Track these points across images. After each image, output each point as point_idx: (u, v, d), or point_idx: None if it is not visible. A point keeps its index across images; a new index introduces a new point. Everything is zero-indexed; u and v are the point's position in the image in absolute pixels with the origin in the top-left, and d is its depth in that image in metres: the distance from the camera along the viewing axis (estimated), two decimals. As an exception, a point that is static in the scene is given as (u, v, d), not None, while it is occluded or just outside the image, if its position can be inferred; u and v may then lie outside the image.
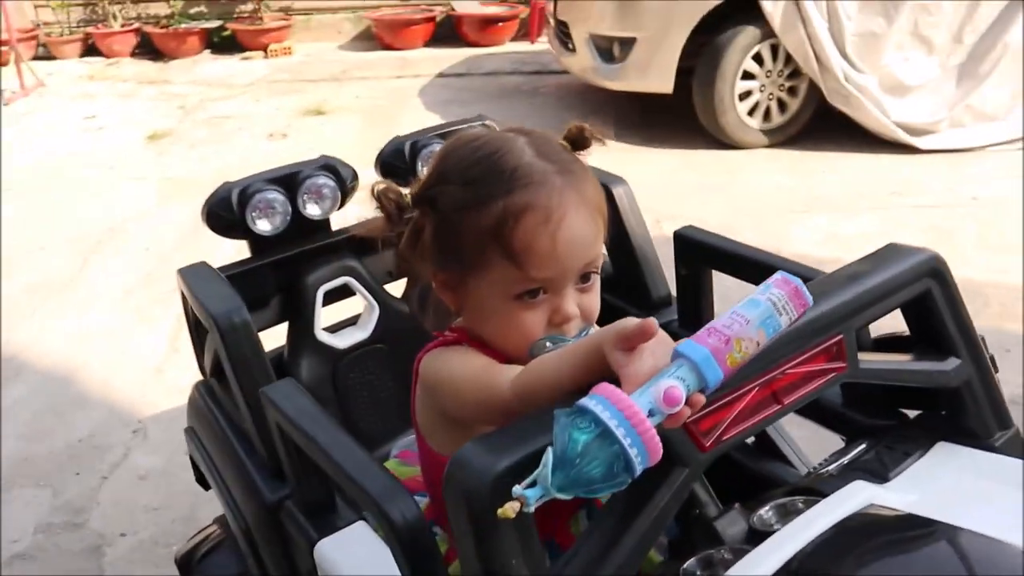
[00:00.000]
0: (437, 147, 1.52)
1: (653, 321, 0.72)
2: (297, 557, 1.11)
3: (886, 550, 0.84)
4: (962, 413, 1.02)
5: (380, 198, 1.03)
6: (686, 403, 0.69)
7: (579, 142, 1.06)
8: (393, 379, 1.54)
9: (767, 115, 4.71)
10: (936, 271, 0.97)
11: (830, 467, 1.04)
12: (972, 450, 1.00)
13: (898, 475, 0.97)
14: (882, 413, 1.13)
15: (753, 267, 1.23)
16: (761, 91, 4.63)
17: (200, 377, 1.53)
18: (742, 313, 0.73)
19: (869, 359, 0.91)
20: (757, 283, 1.21)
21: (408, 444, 1.30)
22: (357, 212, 1.68)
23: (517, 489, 0.63)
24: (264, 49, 7.67)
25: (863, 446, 1.05)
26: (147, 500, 2.40)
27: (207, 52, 7.93)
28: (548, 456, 0.64)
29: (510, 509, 0.63)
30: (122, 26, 7.88)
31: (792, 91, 4.68)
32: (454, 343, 1.04)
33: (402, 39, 7.61)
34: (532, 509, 0.64)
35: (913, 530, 0.85)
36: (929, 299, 0.97)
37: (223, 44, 7.85)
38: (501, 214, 0.95)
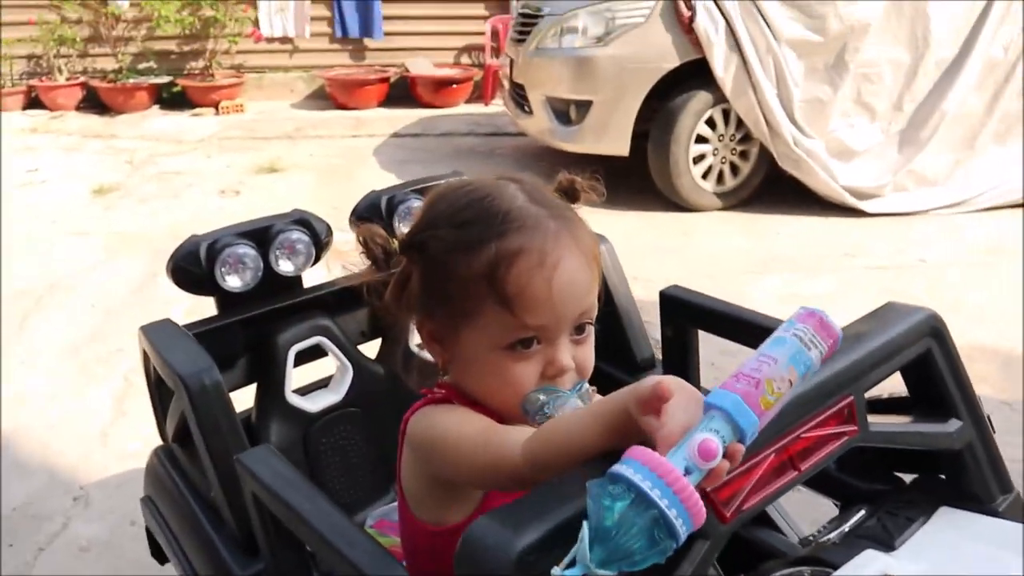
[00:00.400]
0: (415, 203, 1.49)
1: (667, 383, 0.69)
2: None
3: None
4: (963, 476, 1.00)
5: (366, 242, 0.99)
6: (724, 456, 0.65)
7: (570, 194, 1.04)
8: (367, 444, 1.47)
9: (720, 178, 4.81)
10: (936, 330, 0.96)
11: (830, 535, 1.01)
12: (976, 515, 0.98)
13: (904, 543, 0.94)
14: (879, 477, 1.11)
15: (742, 327, 1.21)
16: (714, 155, 4.73)
17: (158, 443, 1.44)
18: (769, 353, 0.70)
19: (877, 422, 0.89)
20: (746, 343, 1.21)
21: (385, 513, 1.23)
22: (323, 273, 1.64)
23: (556, 571, 0.58)
24: (215, 106, 7.63)
25: (863, 512, 1.02)
26: (89, 572, 2.26)
27: (156, 108, 7.87)
28: (584, 531, 0.59)
29: None
30: (67, 79, 7.77)
31: (744, 155, 4.78)
32: (443, 401, 0.99)
33: (356, 99, 7.64)
34: None
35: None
36: (929, 359, 0.95)
37: (173, 100, 7.79)
38: (493, 258, 0.91)
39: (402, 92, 7.79)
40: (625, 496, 0.60)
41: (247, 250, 1.35)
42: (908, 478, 1.12)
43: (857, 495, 1.09)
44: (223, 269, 1.33)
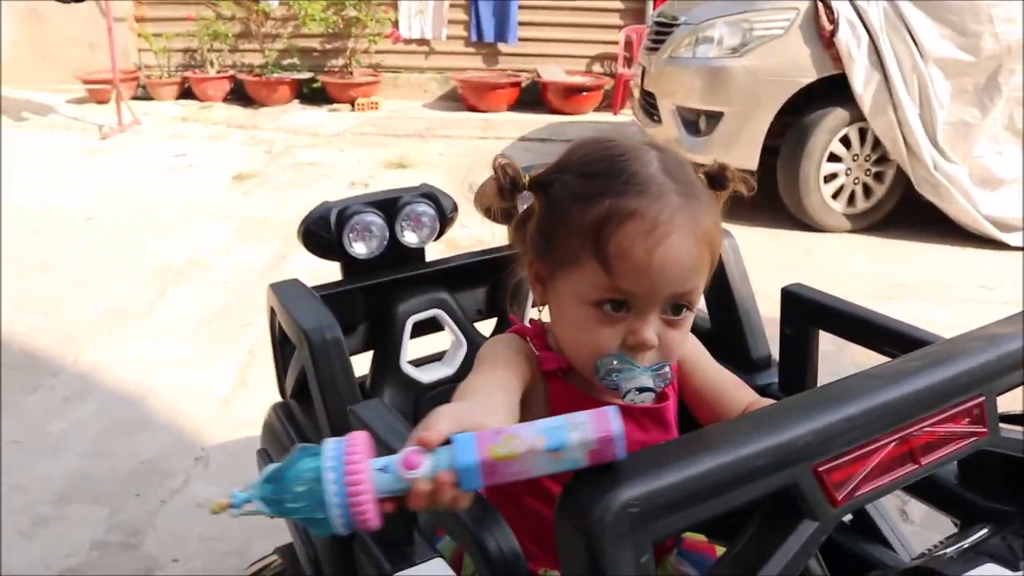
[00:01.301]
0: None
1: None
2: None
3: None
4: (1103, 502, 0.93)
5: (498, 169, 1.01)
6: (432, 479, 0.68)
7: (717, 179, 1.02)
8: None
9: (851, 199, 4.64)
10: (1080, 340, 0.89)
11: (947, 550, 0.96)
12: (1115, 542, 0.91)
13: (1030, 562, 0.88)
14: (1005, 498, 1.04)
15: (866, 328, 1.16)
16: (847, 175, 4.57)
17: (277, 400, 1.51)
18: (540, 421, 0.71)
19: (1011, 429, 0.84)
20: (869, 345, 1.16)
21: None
22: (442, 249, 1.67)
23: (233, 492, 0.66)
24: (352, 102, 7.91)
25: (985, 530, 0.97)
26: (202, 529, 2.37)
27: (296, 102, 8.22)
28: (268, 468, 0.67)
29: (217, 506, 0.67)
30: (218, 72, 8.22)
31: (879, 176, 4.60)
32: (520, 333, 1.03)
33: (487, 101, 7.77)
34: (237, 514, 0.68)
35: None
36: (1071, 371, 0.89)
37: (312, 95, 8.12)
38: (606, 212, 0.91)
39: (532, 97, 7.87)
40: (313, 462, 0.66)
41: (374, 218, 1.40)
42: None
43: (980, 513, 1.02)
44: (351, 235, 1.38)
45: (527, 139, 6.94)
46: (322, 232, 1.40)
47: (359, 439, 0.69)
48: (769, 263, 4.20)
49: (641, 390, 0.93)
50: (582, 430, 0.68)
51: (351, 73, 8.16)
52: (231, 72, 8.26)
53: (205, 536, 2.34)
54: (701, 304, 1.51)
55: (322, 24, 7.91)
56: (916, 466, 0.75)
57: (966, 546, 0.94)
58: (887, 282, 3.98)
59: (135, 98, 8.01)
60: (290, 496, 0.67)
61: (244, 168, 6.06)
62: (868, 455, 0.72)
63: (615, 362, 0.93)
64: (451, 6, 8.14)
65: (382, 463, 0.68)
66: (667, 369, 0.96)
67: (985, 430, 0.80)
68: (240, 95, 8.20)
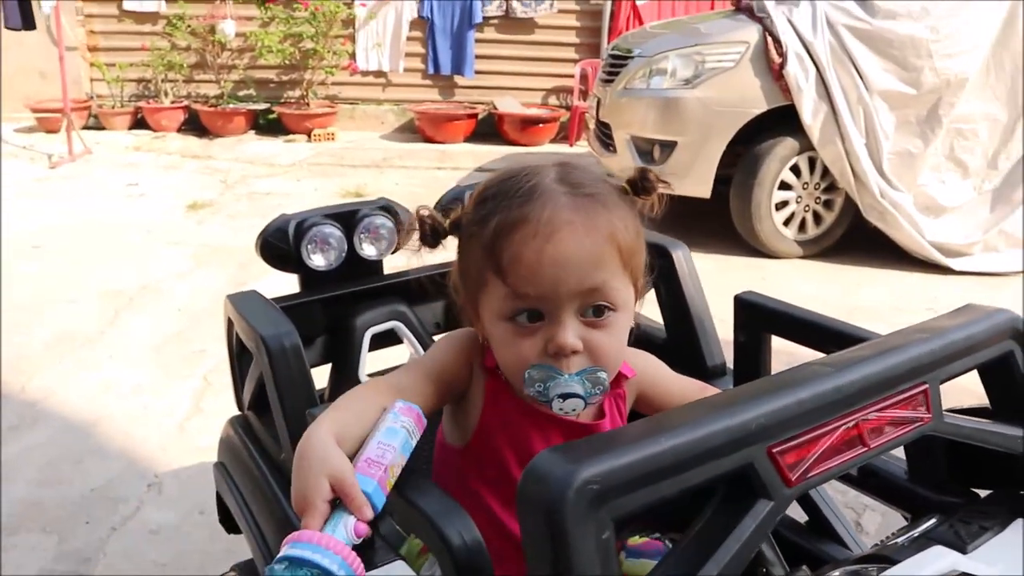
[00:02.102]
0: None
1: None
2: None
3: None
4: (1044, 489, 0.96)
5: (420, 219, 1.02)
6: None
7: (639, 185, 1.02)
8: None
9: (802, 226, 4.75)
10: (1018, 332, 0.93)
11: (898, 540, 0.98)
12: (1056, 529, 0.94)
13: (977, 548, 0.91)
14: (951, 490, 1.08)
15: (816, 331, 1.20)
16: (797, 202, 4.68)
17: (232, 415, 1.49)
18: (387, 442, 0.86)
19: (953, 416, 0.87)
20: (819, 347, 1.19)
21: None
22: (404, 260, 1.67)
23: None
24: (308, 133, 7.91)
25: (934, 520, 0.99)
26: (156, 555, 2.32)
27: (252, 132, 8.20)
28: None
29: None
30: (172, 102, 8.17)
31: (828, 204, 4.72)
32: (469, 340, 1.06)
33: (444, 133, 7.82)
34: None
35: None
36: (1011, 361, 0.93)
37: (268, 126, 8.11)
38: (496, 226, 0.92)
39: (489, 129, 7.94)
40: (288, 567, 0.74)
41: (333, 230, 1.40)
42: (987, 495, 1.08)
43: (929, 505, 1.05)
44: (309, 247, 1.39)
45: (483, 169, 6.99)
46: (280, 244, 1.40)
47: (323, 537, 0.77)
48: (723, 288, 4.23)
49: (566, 396, 0.92)
50: (415, 435, 0.89)
51: (308, 104, 8.16)
52: (186, 102, 8.22)
53: (159, 562, 2.30)
54: (657, 316, 1.54)
55: (279, 55, 7.92)
56: (865, 449, 0.77)
57: (916, 535, 0.96)
58: (840, 305, 4.07)
59: (87, 128, 7.93)
60: None
61: (199, 197, 6.02)
62: (820, 438, 0.74)
63: (535, 373, 0.92)
64: (408, 39, 8.21)
65: (345, 540, 0.79)
66: (601, 374, 0.94)
67: (930, 415, 0.83)
68: (195, 125, 8.15)
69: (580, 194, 0.94)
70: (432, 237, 1.01)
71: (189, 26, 8.02)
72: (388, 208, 1.48)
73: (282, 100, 8.34)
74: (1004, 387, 0.95)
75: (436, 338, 1.52)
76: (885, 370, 0.80)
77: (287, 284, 1.61)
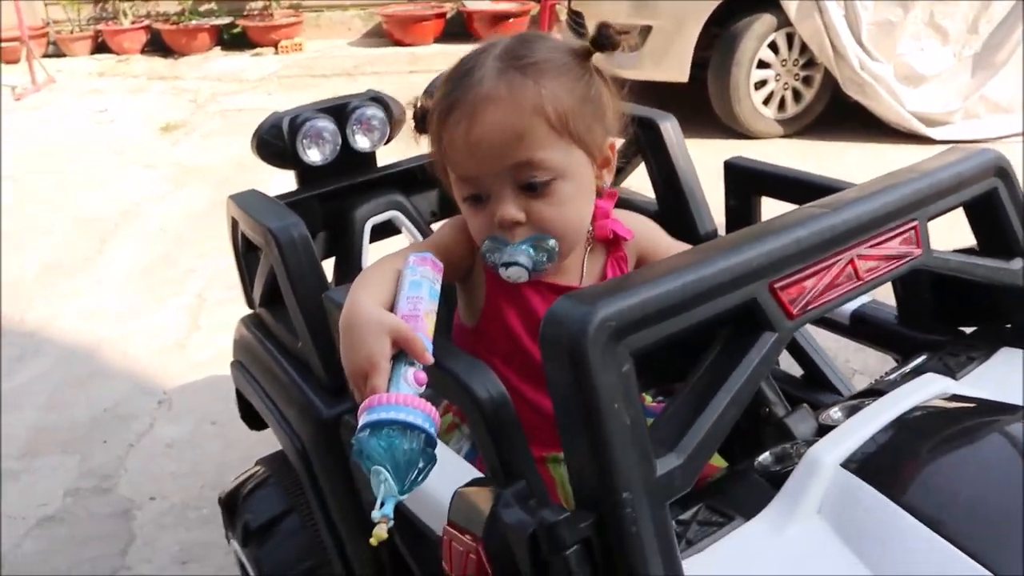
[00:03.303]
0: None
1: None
2: (356, 471, 1.10)
3: (973, 435, 0.84)
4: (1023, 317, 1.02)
5: (413, 106, 1.06)
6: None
7: (602, 40, 1.00)
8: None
9: (782, 104, 4.72)
10: (1002, 170, 0.97)
11: (891, 376, 1.04)
12: (1038, 353, 1.00)
13: (966, 375, 0.97)
14: (940, 330, 1.13)
15: (804, 188, 1.23)
16: (776, 80, 4.65)
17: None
18: (414, 295, 0.88)
19: (941, 252, 0.92)
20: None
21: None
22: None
23: (376, 514, 0.73)
24: (275, 45, 7.71)
25: (923, 357, 1.05)
26: (175, 467, 2.39)
27: (217, 49, 7.98)
28: (382, 474, 0.74)
29: (376, 538, 0.73)
30: (132, 23, 7.92)
31: (807, 81, 4.69)
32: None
33: (413, 35, 7.65)
34: (392, 521, 0.74)
35: (997, 414, 0.85)
36: (995, 198, 0.97)
37: (233, 41, 7.89)
38: (438, 114, 0.97)
39: (459, 28, 7.76)
40: (399, 435, 0.75)
41: (326, 124, 1.41)
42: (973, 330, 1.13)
43: (919, 345, 1.11)
44: (304, 142, 1.40)
45: (459, 70, 6.88)
46: (275, 141, 1.41)
47: (399, 397, 0.78)
48: (707, 171, 4.27)
49: (508, 265, 0.96)
50: (437, 281, 0.90)
51: (272, 15, 7.93)
52: (146, 22, 7.96)
53: (179, 473, 2.37)
54: (648, 189, 1.57)
55: (238, -35, 7.66)
56: (860, 282, 0.82)
57: (908, 370, 1.02)
58: (820, 182, 4.11)
59: (47, 56, 7.69)
60: (410, 468, 0.75)
61: (170, 119, 5.91)
62: (818, 273, 0.78)
63: (489, 243, 0.98)
64: (370, -61, 7.94)
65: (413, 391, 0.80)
66: (549, 242, 0.97)
67: (920, 250, 0.87)
68: (158, 46, 7.92)
69: (513, 67, 0.94)
70: (423, 123, 1.04)
71: (142, -60, 7.73)
72: (379, 99, 1.49)
73: (245, 13, 8.09)
74: (989, 222, 0.99)
75: (434, 226, 1.55)
76: (876, 208, 0.83)
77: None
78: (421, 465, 0.75)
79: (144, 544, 2.12)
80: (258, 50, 7.80)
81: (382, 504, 0.73)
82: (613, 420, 0.65)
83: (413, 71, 6.91)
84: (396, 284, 0.90)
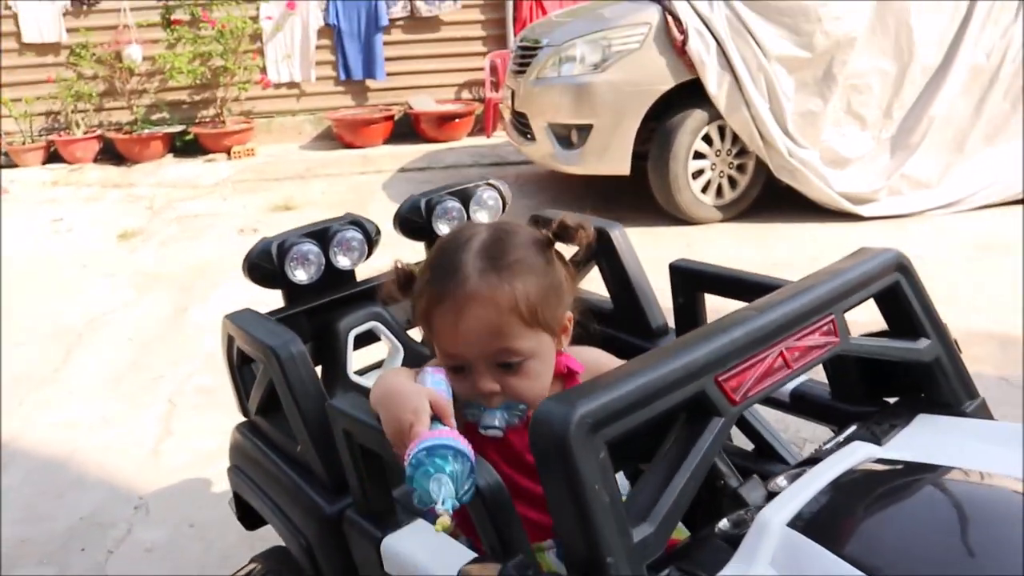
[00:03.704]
0: (450, 203, 1.71)
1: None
2: (360, 562, 1.21)
3: (898, 492, 0.99)
4: (935, 388, 1.19)
5: (396, 271, 1.23)
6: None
7: (563, 234, 1.21)
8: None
9: (719, 191, 5.02)
10: (902, 265, 1.15)
11: (827, 445, 1.20)
12: (949, 417, 1.17)
13: (889, 440, 1.13)
14: (866, 403, 1.30)
15: (743, 285, 1.41)
16: (712, 169, 4.95)
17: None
18: (440, 389, 1.10)
19: (857, 339, 1.09)
20: (747, 300, 1.40)
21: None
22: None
23: (439, 508, 0.91)
24: (227, 151, 7.89)
25: (854, 427, 1.21)
26: (155, 570, 2.43)
27: (170, 156, 8.13)
28: (444, 481, 0.93)
29: (442, 524, 0.91)
30: (85, 133, 8.05)
31: (741, 168, 5.00)
32: None
33: (362, 138, 7.90)
34: (452, 518, 0.91)
35: (917, 473, 1.01)
36: (898, 289, 1.15)
37: (186, 148, 8.05)
38: (426, 303, 1.14)
39: (406, 129, 8.05)
40: (451, 456, 0.94)
41: (311, 247, 1.56)
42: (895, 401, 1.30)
43: (850, 416, 1.27)
44: (291, 264, 1.54)
45: (406, 170, 7.12)
46: (266, 264, 1.55)
47: (449, 432, 0.98)
48: (653, 259, 4.48)
49: (487, 428, 1.13)
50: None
51: (223, 122, 8.14)
52: (99, 132, 8.11)
53: (160, 577, 2.41)
54: (603, 290, 1.74)
55: (189, 76, 7.89)
56: (790, 370, 0.98)
57: (841, 439, 1.18)
58: (761, 262, 4.34)
59: (-1, 167, 7.77)
60: (461, 480, 0.94)
61: (127, 226, 6.00)
62: (753, 365, 0.94)
63: (467, 408, 1.15)
64: (318, 48, 8.25)
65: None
66: (520, 407, 1.14)
67: (838, 339, 1.04)
68: (111, 154, 8.05)
69: (493, 268, 1.12)
70: (406, 286, 1.22)
71: (94, 54, 7.92)
72: (356, 222, 1.65)
73: (197, 120, 8.30)
74: (896, 310, 1.17)
75: (410, 332, 1.69)
76: (798, 307, 1.00)
77: (237, 302, 1.74)
78: (469, 484, 0.94)
79: (130, 653, 2.15)
80: (211, 156, 7.97)
81: (443, 502, 0.92)
82: (595, 499, 0.79)
83: (363, 172, 7.14)
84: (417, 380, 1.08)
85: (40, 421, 3.33)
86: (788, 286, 1.07)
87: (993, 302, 3.68)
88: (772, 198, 5.08)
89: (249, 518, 1.61)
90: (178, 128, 8.11)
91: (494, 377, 1.13)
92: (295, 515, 1.35)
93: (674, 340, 0.98)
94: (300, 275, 1.56)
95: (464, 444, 0.95)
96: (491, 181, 1.82)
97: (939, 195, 4.97)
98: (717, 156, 4.94)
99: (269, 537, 1.77)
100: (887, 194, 4.98)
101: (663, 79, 4.76)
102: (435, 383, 1.07)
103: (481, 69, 8.10)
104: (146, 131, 8.03)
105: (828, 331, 1.03)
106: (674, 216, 5.02)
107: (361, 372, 1.68)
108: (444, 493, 0.91)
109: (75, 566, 2.48)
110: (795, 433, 2.66)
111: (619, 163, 4.91)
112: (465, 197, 1.78)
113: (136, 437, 3.16)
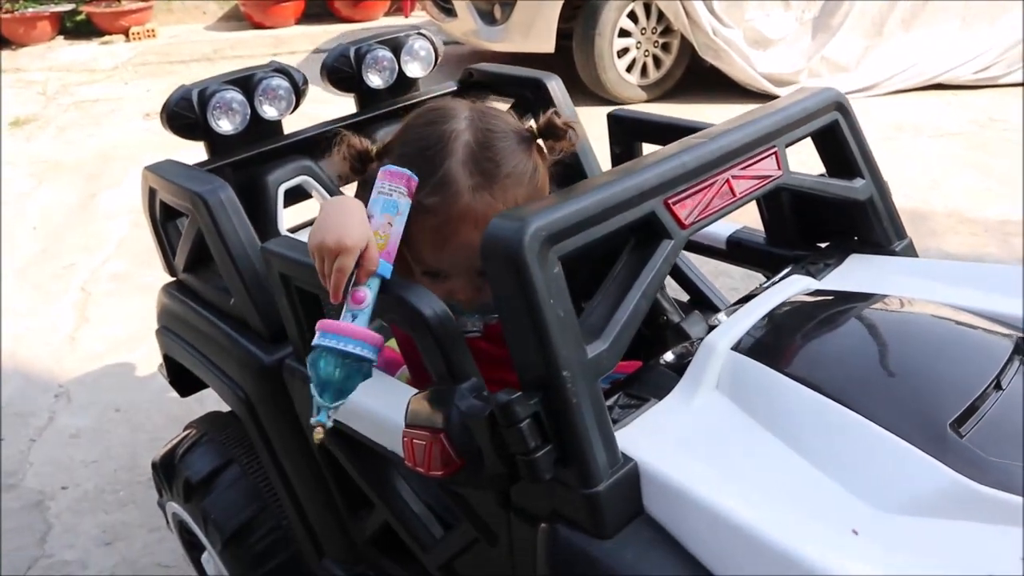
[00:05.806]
0: (380, 52, 1.64)
1: None
2: (302, 410, 1.20)
3: (834, 316, 1.02)
4: (867, 228, 1.22)
5: (346, 150, 1.12)
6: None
7: (550, 132, 1.13)
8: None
9: (644, 71, 4.98)
10: (840, 104, 1.16)
11: (764, 286, 1.22)
12: (879, 256, 1.20)
13: (824, 276, 1.16)
14: (801, 246, 1.32)
15: (681, 133, 1.39)
16: (638, 47, 4.89)
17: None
18: (367, 211, 0.98)
19: (798, 172, 1.09)
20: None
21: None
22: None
23: (313, 420, 0.91)
24: (125, 32, 7.43)
25: (788, 268, 1.23)
26: (83, 456, 2.38)
27: (61, 38, 7.60)
28: (312, 388, 0.91)
29: (319, 435, 0.91)
30: (-37, 13, 7.43)
31: (666, 47, 4.96)
32: None
33: (272, 17, 7.52)
34: (331, 424, 0.92)
35: (851, 301, 1.04)
36: (836, 128, 1.16)
37: (77, 29, 7.55)
38: (416, 205, 1.02)
39: (320, 8, 7.68)
40: (322, 354, 0.91)
41: (235, 95, 1.47)
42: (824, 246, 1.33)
43: (786, 261, 1.29)
44: (215, 113, 1.45)
45: (322, 50, 6.83)
46: (187, 113, 1.46)
47: (325, 324, 0.92)
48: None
49: (467, 332, 1.10)
50: (395, 190, 0.98)
51: (119, 1, 7.61)
52: (-21, 12, 7.50)
53: (88, 460, 2.36)
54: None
55: (77, -54, 7.31)
56: (735, 198, 0.98)
57: (776, 280, 1.20)
58: (683, 142, 4.37)
59: None
60: (336, 382, 0.90)
61: (20, 113, 5.63)
62: (701, 190, 0.94)
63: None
64: (220, -81, 7.73)
65: (348, 316, 0.93)
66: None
67: (780, 171, 1.04)
68: (-7, 36, 7.48)
69: (486, 184, 1.04)
70: (360, 166, 1.12)
71: (-32, -75, 7.25)
72: (282, 70, 1.55)
73: (89, -1, 7.75)
74: (833, 149, 1.18)
75: (343, 189, 1.64)
76: (743, 137, 1.00)
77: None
78: (346, 384, 0.91)
79: (63, 531, 2.12)
80: (107, 38, 7.48)
81: (318, 411, 0.92)
82: (550, 312, 0.78)
83: (276, 53, 6.80)
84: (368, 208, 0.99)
85: (-53, 314, 3.17)
86: (732, 119, 1.07)
87: (904, 180, 3.80)
88: (696, 78, 5.07)
89: (182, 382, 1.58)
90: (67, 7, 7.55)
91: (473, 284, 1.09)
92: (232, 370, 1.32)
93: (627, 163, 0.96)
94: (224, 125, 1.47)
95: (363, 340, 0.91)
96: (422, 31, 1.73)
97: (856, 78, 5.02)
98: (643, 34, 4.88)
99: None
100: (807, 76, 5.01)
101: (589, -48, 4.62)
102: (386, 207, 0.97)
103: (396, -54, 7.73)
104: (31, 10, 7.44)
105: (771, 163, 1.03)
106: (599, 96, 4.96)
107: (294, 230, 1.62)
108: (322, 401, 0.91)
109: (-5, 455, 2.41)
110: (730, 290, 2.73)
111: (543, 40, 4.80)
112: (396, 46, 1.69)
113: (51, 326, 3.05)
